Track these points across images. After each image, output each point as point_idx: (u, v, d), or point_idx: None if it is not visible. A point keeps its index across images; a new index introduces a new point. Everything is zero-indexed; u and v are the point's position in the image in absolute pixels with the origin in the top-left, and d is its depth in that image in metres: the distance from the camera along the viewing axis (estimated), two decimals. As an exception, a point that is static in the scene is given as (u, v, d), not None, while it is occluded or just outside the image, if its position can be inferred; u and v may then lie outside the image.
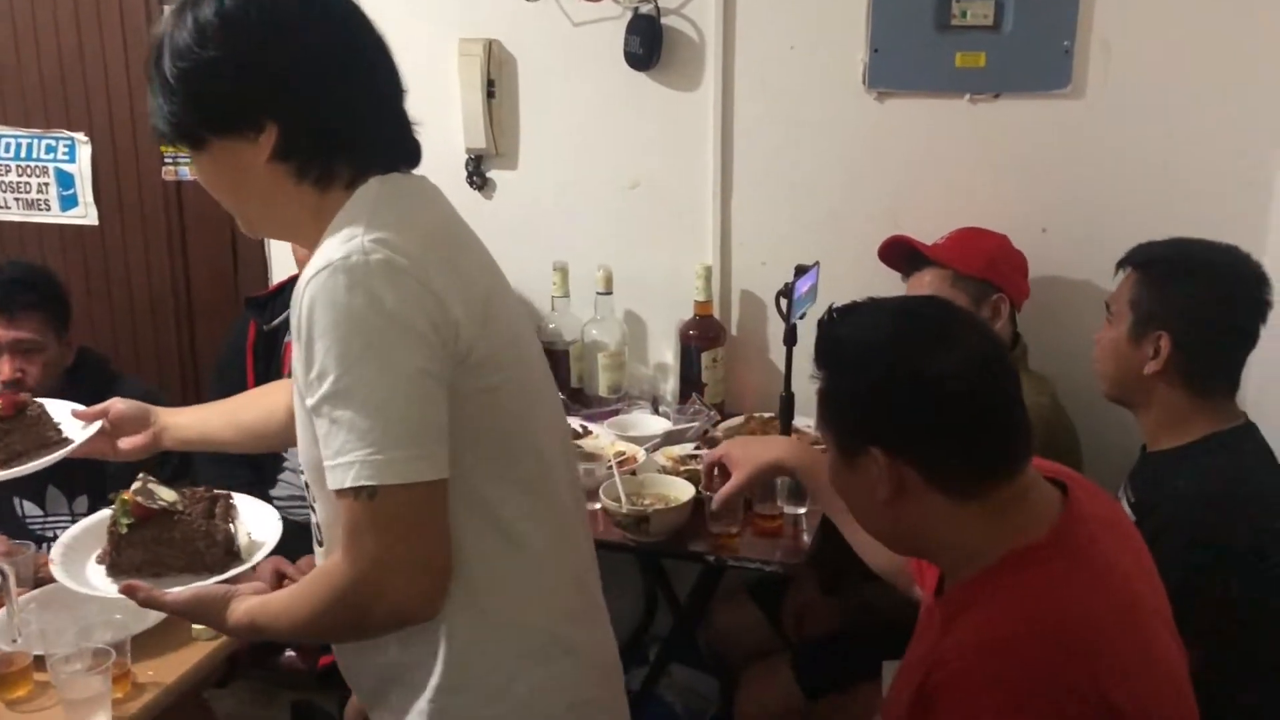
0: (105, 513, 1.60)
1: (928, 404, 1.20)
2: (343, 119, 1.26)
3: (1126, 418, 1.92)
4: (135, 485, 1.57)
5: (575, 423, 2.48)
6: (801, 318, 2.15)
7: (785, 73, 2.50)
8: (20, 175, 3.05)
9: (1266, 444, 1.81)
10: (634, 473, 2.16)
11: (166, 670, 1.70)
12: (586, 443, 2.37)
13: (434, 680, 1.28)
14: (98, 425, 1.65)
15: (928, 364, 1.20)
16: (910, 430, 1.21)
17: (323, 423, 1.16)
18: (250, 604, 1.31)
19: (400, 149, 1.32)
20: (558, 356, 2.67)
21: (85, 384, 2.36)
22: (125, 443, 1.65)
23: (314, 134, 1.24)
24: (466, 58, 2.64)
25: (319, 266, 1.16)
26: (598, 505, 2.07)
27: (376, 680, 1.35)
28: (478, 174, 2.75)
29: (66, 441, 1.65)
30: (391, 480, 1.14)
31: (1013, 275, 2.26)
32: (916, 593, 1.53)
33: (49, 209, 3.05)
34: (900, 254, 2.30)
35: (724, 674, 2.51)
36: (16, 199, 3.08)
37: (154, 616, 1.79)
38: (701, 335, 2.59)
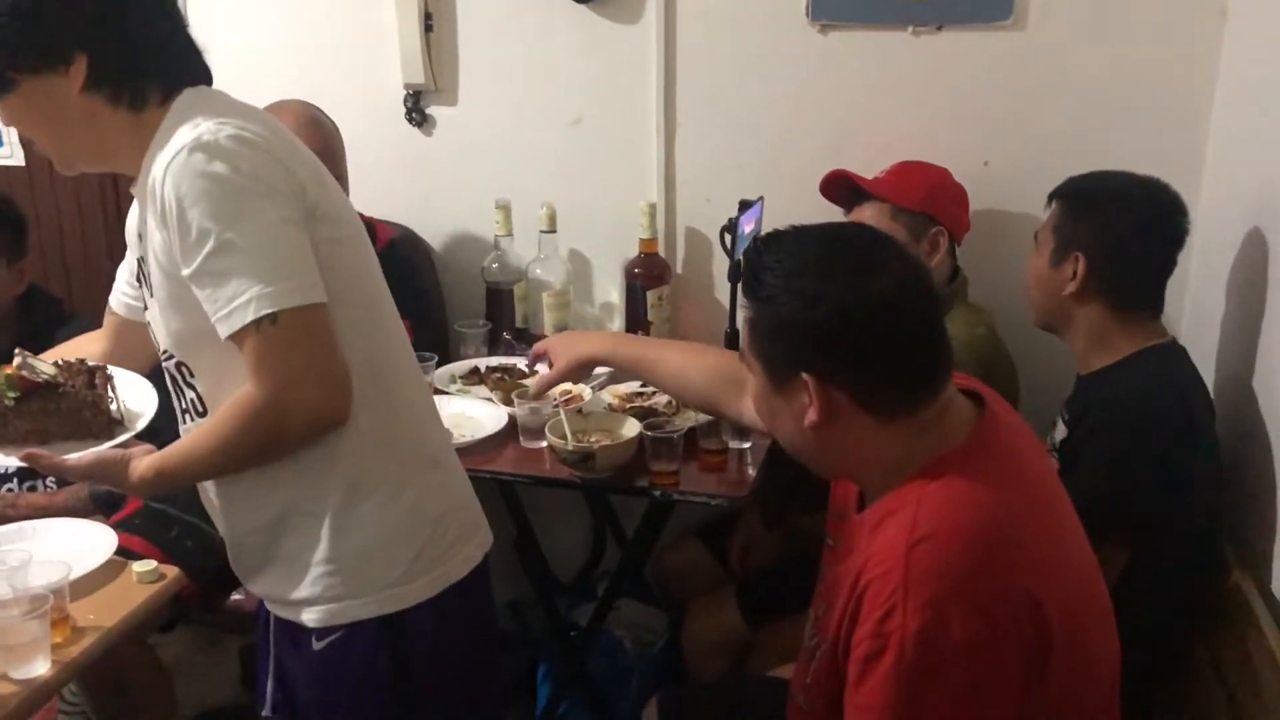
0: None
1: (856, 329, 1.22)
2: (147, 41, 1.37)
3: (1063, 350, 1.96)
4: (15, 361, 1.57)
5: (520, 362, 2.48)
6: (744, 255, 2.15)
7: (728, 5, 2.47)
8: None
9: (1192, 363, 1.86)
10: (580, 410, 2.16)
11: (107, 613, 1.68)
12: (530, 381, 2.36)
13: (331, 502, 1.42)
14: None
15: (854, 289, 1.22)
16: (840, 356, 1.24)
17: (208, 281, 1.28)
18: (151, 458, 1.43)
19: (199, 69, 1.44)
20: (502, 295, 2.66)
21: (35, 318, 2.34)
22: None
23: (122, 58, 1.35)
24: (403, -10, 2.58)
25: (173, 152, 1.28)
26: (543, 443, 2.07)
27: (268, 534, 1.47)
28: (416, 110, 2.70)
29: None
30: (288, 304, 1.28)
31: (952, 208, 2.27)
32: (736, 414, 1.69)
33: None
34: (841, 188, 2.30)
35: (672, 608, 2.54)
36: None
37: (94, 560, 1.77)
38: (647, 273, 2.58)
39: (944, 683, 1.13)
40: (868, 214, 2.22)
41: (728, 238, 2.16)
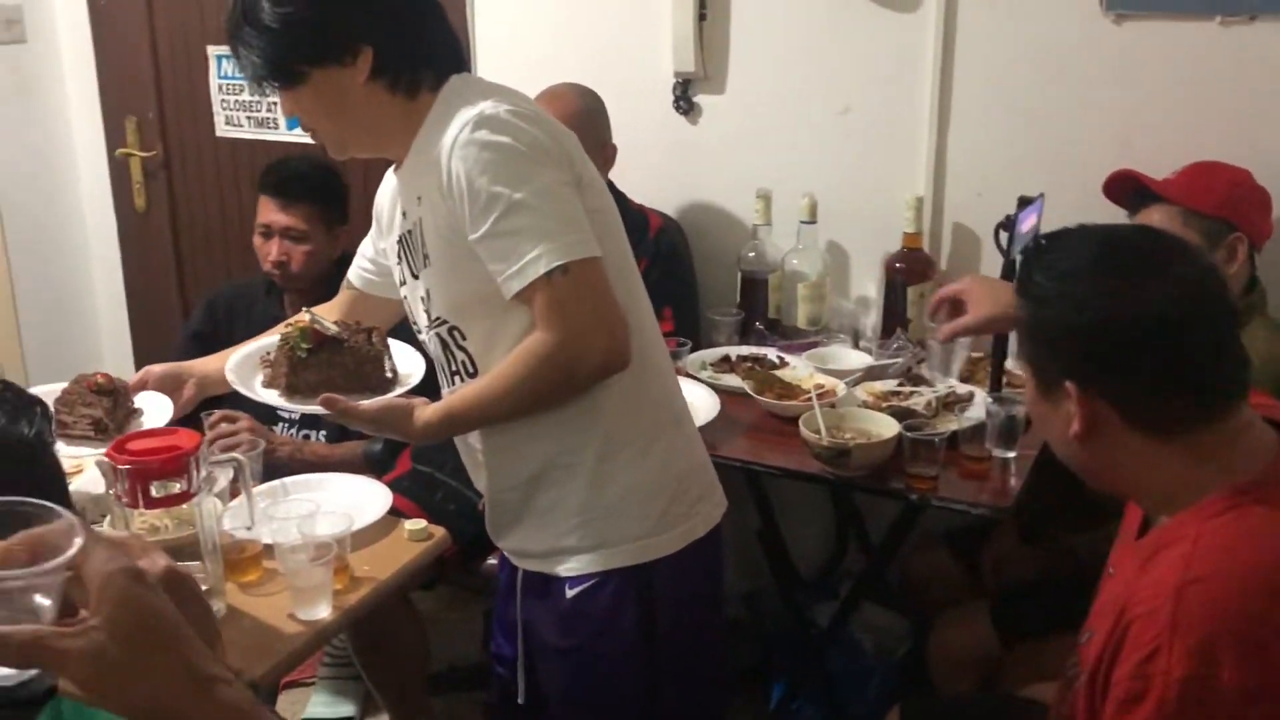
0: (260, 342, 1.77)
1: (1124, 339, 1.14)
2: (422, 33, 1.48)
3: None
4: (306, 316, 1.68)
5: (771, 353, 2.47)
6: (1022, 253, 2.05)
7: (1016, -11, 2.36)
8: (253, 94, 3.21)
9: None
10: (833, 405, 2.12)
11: (380, 566, 1.79)
12: (783, 374, 2.35)
13: (588, 455, 1.52)
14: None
15: (1126, 296, 1.14)
16: (1106, 366, 1.16)
17: (499, 242, 1.39)
18: (439, 403, 1.56)
19: (460, 57, 1.55)
20: (756, 285, 2.65)
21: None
22: (175, 401, 1.81)
23: (402, 49, 1.46)
24: (680, -22, 2.60)
25: (458, 129, 1.40)
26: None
27: (525, 490, 1.57)
28: (684, 99, 2.73)
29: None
30: (576, 256, 1.38)
31: (1252, 213, 2.08)
32: None
33: (278, 127, 3.20)
34: (1127, 189, 2.15)
35: (915, 615, 2.47)
36: (249, 117, 3.24)
37: (371, 515, 1.89)
38: (909, 269, 2.51)
39: None
40: (1155, 218, 2.07)
41: (1003, 235, 2.07)
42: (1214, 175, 2.11)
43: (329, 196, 2.52)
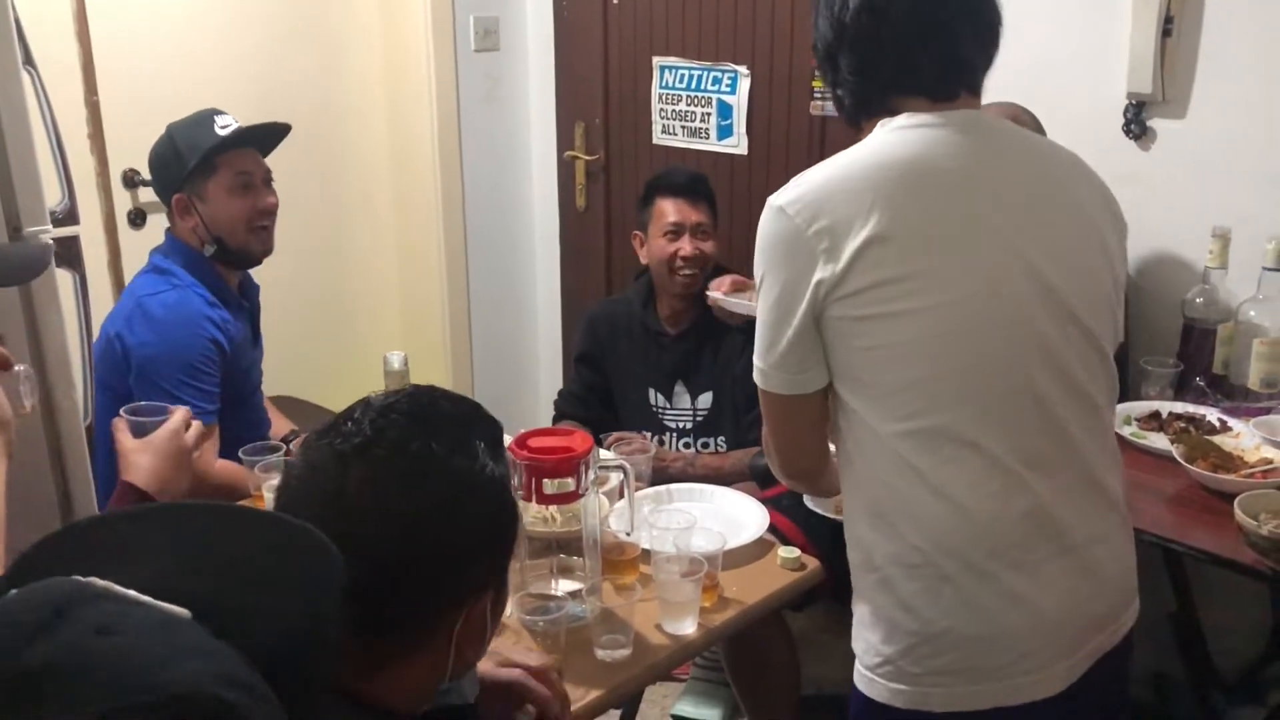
0: None
1: None
2: (892, 58, 1.37)
3: None
4: None
5: (1211, 414, 2.18)
6: None
7: None
8: (688, 105, 3.33)
9: None
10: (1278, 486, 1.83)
11: (750, 589, 1.79)
12: (1223, 440, 2.06)
13: (873, 557, 1.41)
14: None
15: None
16: None
17: None
18: None
19: (955, 83, 1.39)
20: (1201, 335, 2.35)
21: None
22: None
23: (866, 75, 1.39)
24: (1144, -9, 2.36)
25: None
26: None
27: None
28: (1136, 122, 2.47)
29: None
30: (768, 387, 1.47)
31: None
32: None
33: (708, 137, 3.30)
34: None
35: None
36: (682, 126, 3.37)
37: (747, 535, 1.90)
38: (1400, 333, 2.12)
39: None
40: None
41: None
42: None
43: (714, 201, 2.69)
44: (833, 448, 1.47)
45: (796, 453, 1.48)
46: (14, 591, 0.65)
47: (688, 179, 2.69)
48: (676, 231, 2.61)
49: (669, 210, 2.62)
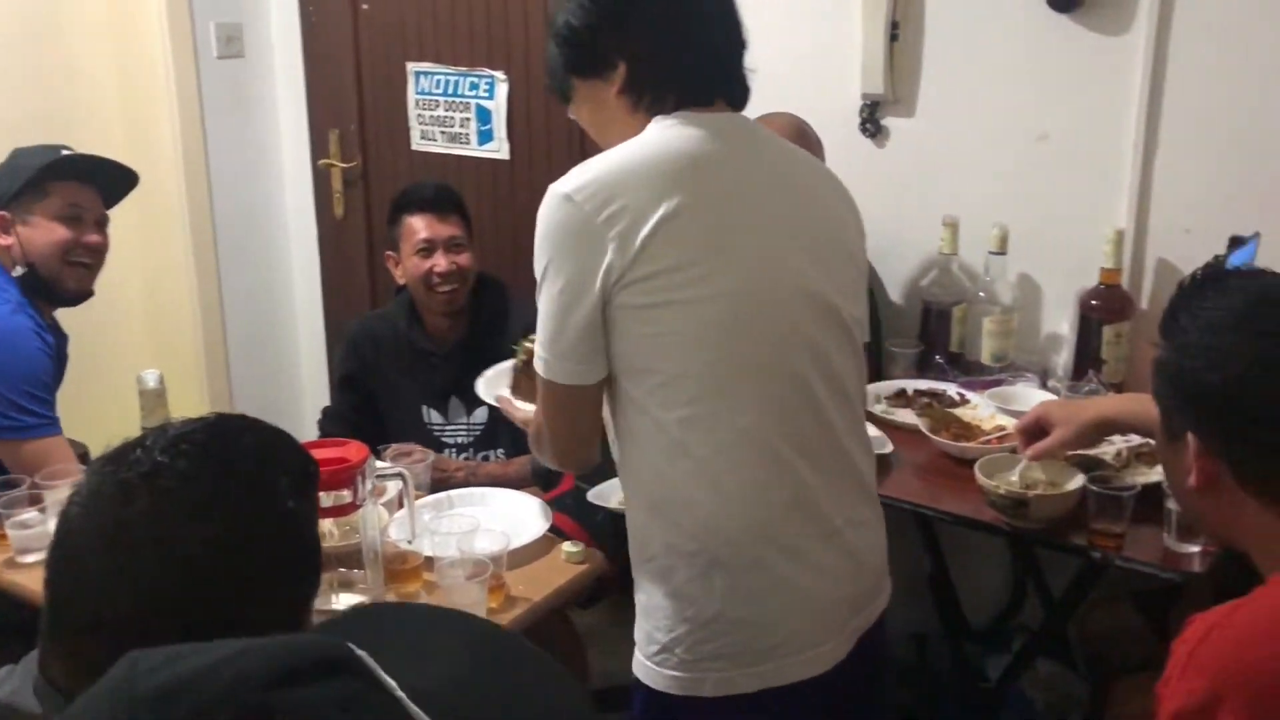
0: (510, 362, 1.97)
1: (1255, 412, 1.10)
2: (671, 58, 1.44)
3: None
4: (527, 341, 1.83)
5: (951, 389, 2.36)
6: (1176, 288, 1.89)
7: (1237, 13, 2.18)
8: (447, 110, 3.31)
9: None
10: (1014, 450, 2.01)
11: (536, 587, 1.80)
12: (963, 412, 2.24)
13: (650, 549, 1.48)
14: None
15: (1268, 362, 1.09)
16: (1230, 433, 1.11)
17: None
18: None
19: (722, 87, 1.47)
20: (939, 317, 2.54)
21: (486, 305, 2.58)
22: None
23: (650, 71, 1.44)
24: (871, -1, 2.53)
25: None
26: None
27: None
28: (871, 121, 2.65)
29: None
30: (552, 377, 1.48)
31: None
32: None
33: (468, 142, 3.29)
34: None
35: (1096, 678, 2.31)
36: (442, 132, 3.34)
37: (530, 534, 1.91)
38: (1105, 306, 2.36)
39: None
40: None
41: (1211, 278, 1.91)
42: None
43: (464, 210, 2.62)
44: (612, 437, 1.51)
45: (573, 441, 1.50)
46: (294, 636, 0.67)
47: (433, 192, 2.60)
48: (429, 248, 2.52)
49: (419, 227, 2.54)
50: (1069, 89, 2.39)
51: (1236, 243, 1.97)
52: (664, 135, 1.42)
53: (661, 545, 1.43)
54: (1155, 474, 1.88)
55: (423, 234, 2.53)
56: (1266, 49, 2.17)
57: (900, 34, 2.55)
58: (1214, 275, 1.19)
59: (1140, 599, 2.27)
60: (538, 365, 1.43)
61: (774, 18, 2.69)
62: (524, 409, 1.70)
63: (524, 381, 1.82)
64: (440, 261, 2.51)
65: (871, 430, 2.11)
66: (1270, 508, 1.12)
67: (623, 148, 1.41)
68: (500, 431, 2.63)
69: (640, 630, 1.49)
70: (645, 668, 1.48)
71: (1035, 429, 1.81)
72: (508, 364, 1.96)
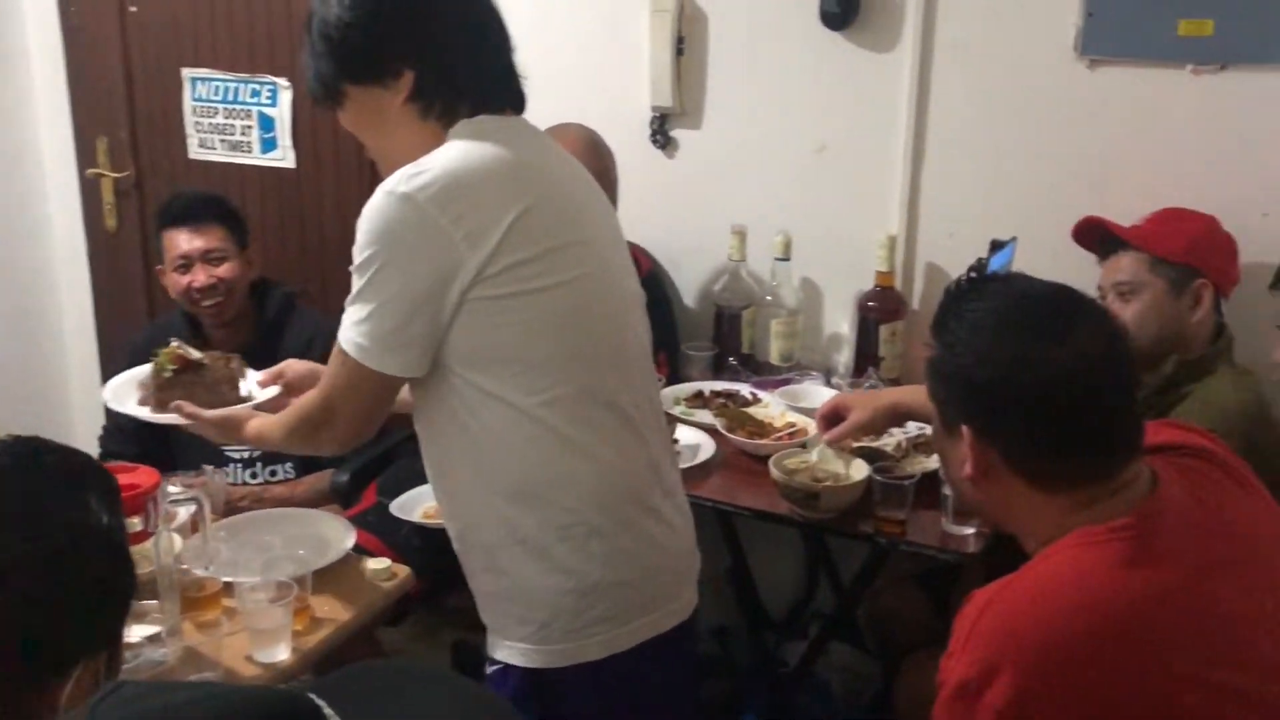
0: (142, 369, 1.95)
1: (1018, 397, 1.20)
2: (464, 65, 1.46)
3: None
4: (173, 345, 1.90)
5: (744, 389, 2.46)
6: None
7: (990, 35, 2.37)
8: (226, 118, 3.19)
9: None
10: (804, 445, 2.11)
11: (342, 607, 1.77)
12: (756, 411, 2.34)
13: (487, 536, 1.51)
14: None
15: (1027, 357, 1.20)
16: (999, 420, 1.22)
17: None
18: (259, 421, 1.66)
19: (508, 94, 1.52)
20: (730, 320, 2.64)
21: (268, 310, 2.53)
22: None
23: (441, 78, 1.45)
24: (659, 14, 2.60)
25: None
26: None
27: (458, 548, 1.59)
28: (661, 132, 2.72)
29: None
30: (368, 363, 1.47)
31: (1218, 260, 2.10)
32: None
33: (251, 151, 3.18)
34: (1096, 235, 2.16)
35: (886, 657, 2.45)
36: (222, 140, 3.22)
37: (333, 553, 1.87)
38: (881, 307, 2.51)
39: None
40: (1124, 263, 2.08)
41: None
42: (1181, 222, 2.12)
43: (230, 216, 2.52)
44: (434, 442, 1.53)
45: (369, 425, 1.51)
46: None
47: (188, 205, 2.50)
48: (186, 264, 2.44)
49: (176, 242, 2.45)
50: (844, 102, 2.54)
51: (996, 246, 2.14)
52: (487, 139, 1.44)
53: (532, 526, 1.46)
54: (932, 463, 2.02)
55: (180, 249, 2.45)
56: (1015, 67, 2.36)
57: (685, 49, 2.63)
58: (976, 280, 1.31)
59: (923, 580, 2.42)
60: (358, 355, 1.41)
61: (566, 32, 2.74)
62: (213, 414, 1.73)
63: (167, 392, 1.84)
64: (199, 276, 2.43)
65: (696, 435, 2.21)
66: (1037, 489, 1.23)
67: (457, 147, 1.42)
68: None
69: (505, 616, 1.52)
70: (518, 650, 1.51)
71: (833, 415, 1.94)
72: (133, 373, 1.96)
